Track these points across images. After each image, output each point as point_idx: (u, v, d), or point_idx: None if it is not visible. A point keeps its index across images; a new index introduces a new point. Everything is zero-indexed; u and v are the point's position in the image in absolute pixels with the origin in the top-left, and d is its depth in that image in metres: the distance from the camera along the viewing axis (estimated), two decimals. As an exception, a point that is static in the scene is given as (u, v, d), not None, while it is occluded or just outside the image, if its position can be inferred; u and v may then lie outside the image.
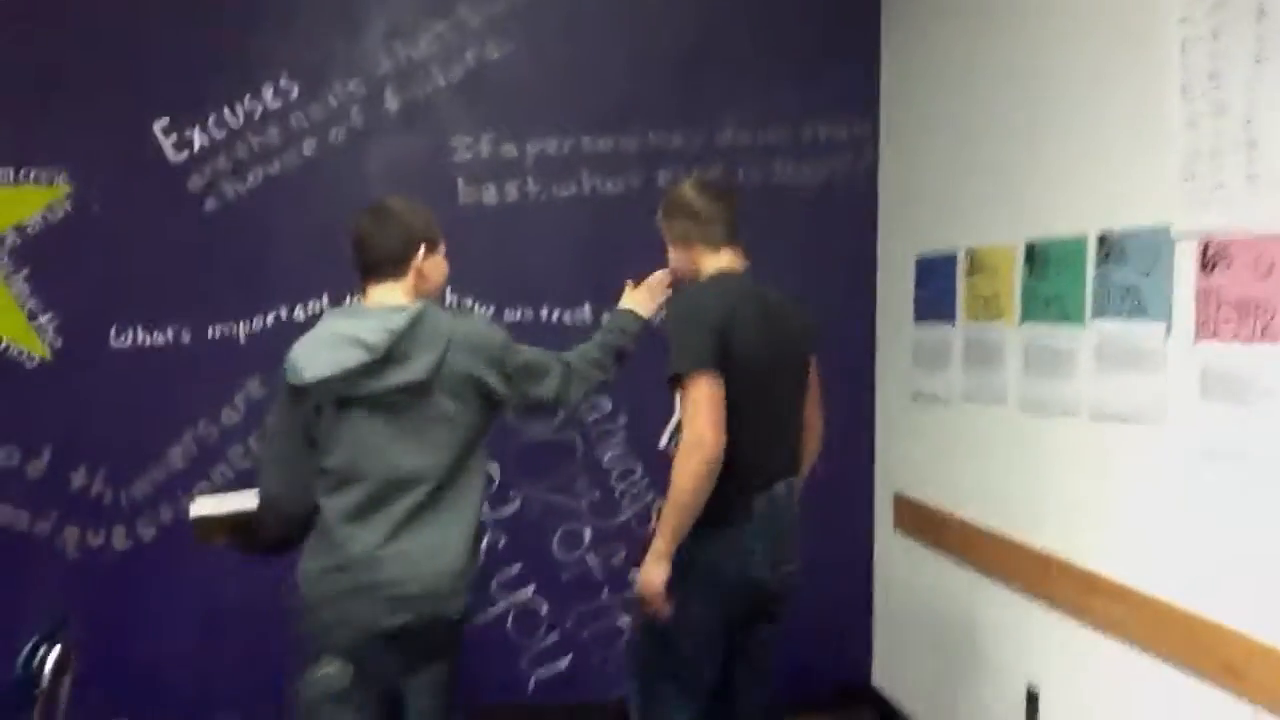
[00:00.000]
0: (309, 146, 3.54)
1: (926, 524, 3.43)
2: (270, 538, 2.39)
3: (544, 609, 3.76)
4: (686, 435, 2.42)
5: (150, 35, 3.47)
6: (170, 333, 3.55)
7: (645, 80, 3.64)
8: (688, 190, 2.67)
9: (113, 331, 3.52)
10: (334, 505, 2.29)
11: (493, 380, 2.35)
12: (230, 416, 3.59)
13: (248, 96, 3.51)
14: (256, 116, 3.52)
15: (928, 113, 3.42)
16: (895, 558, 3.73)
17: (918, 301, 3.49)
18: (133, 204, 3.49)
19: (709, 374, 2.41)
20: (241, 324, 3.57)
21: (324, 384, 2.25)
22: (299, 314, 3.55)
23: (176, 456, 3.58)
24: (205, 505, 2.45)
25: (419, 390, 2.27)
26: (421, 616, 2.26)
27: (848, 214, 3.75)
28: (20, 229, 3.46)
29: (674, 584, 2.42)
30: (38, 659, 2.52)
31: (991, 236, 3.00)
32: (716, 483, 2.40)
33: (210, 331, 3.56)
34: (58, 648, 2.41)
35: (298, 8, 3.52)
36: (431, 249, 2.40)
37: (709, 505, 2.41)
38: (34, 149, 3.45)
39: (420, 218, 2.41)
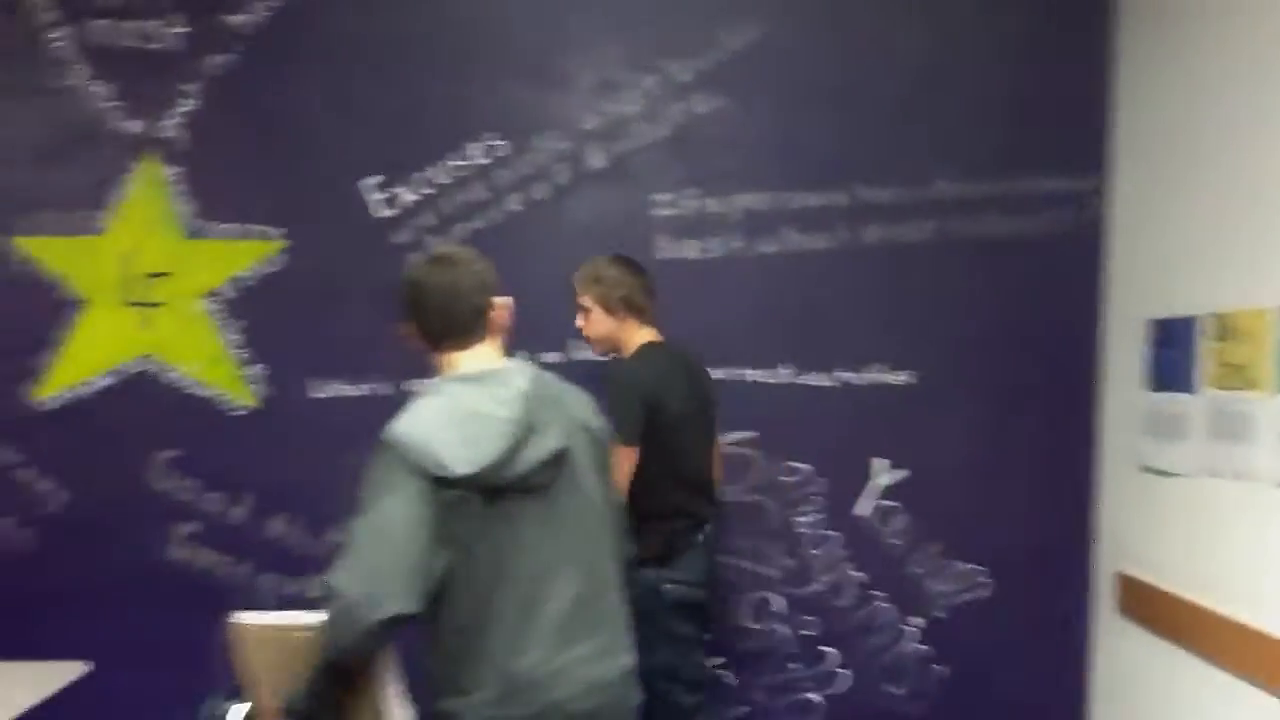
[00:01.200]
0: (513, 202, 3.55)
1: (1156, 608, 3.16)
2: (345, 659, 1.95)
3: (731, 679, 3.62)
4: None
5: (362, 95, 3.55)
6: (369, 385, 3.58)
7: (854, 133, 3.53)
8: (615, 267, 3.07)
9: (316, 382, 3.58)
10: (482, 617, 1.96)
11: (605, 439, 2.20)
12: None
13: (455, 154, 3.54)
14: (462, 173, 3.55)
15: (1169, 164, 3.19)
16: (1118, 645, 3.45)
17: (1150, 367, 3.25)
18: (341, 258, 3.55)
19: (630, 448, 2.88)
20: (440, 378, 3.58)
21: (476, 475, 1.91)
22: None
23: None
24: (247, 617, 2.09)
25: (561, 461, 2.02)
26: None
27: (1068, 272, 3.53)
28: (237, 281, 3.57)
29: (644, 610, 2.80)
30: (218, 713, 2.50)
31: (1244, 299, 2.76)
32: (662, 525, 2.95)
33: (406, 384, 3.58)
34: (247, 705, 2.37)
35: (506, 66, 3.55)
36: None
37: (654, 544, 2.91)
38: (253, 205, 3.56)
39: (487, 264, 2.13)
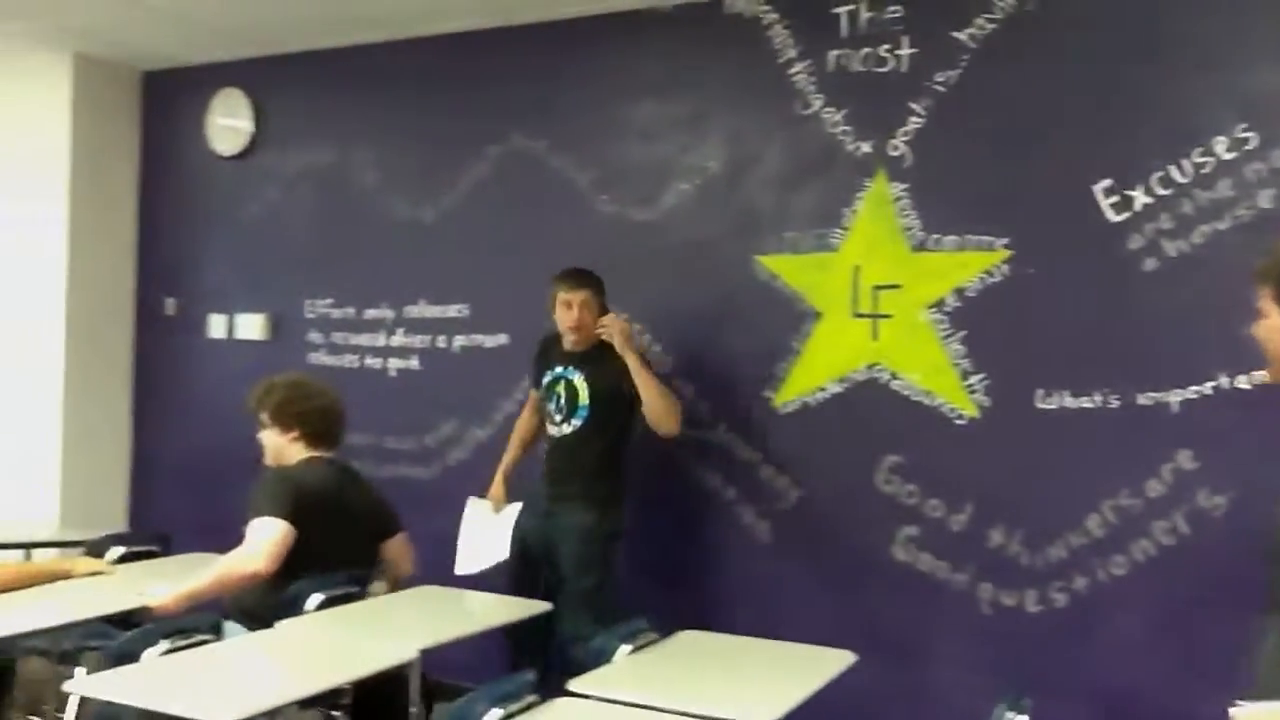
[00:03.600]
0: (1266, 198, 3.20)
1: None
2: None
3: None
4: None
5: (1091, 95, 3.43)
6: (1098, 397, 3.44)
7: None
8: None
9: (1040, 393, 3.51)
10: None
11: None
12: (1155, 489, 3.36)
13: (1196, 150, 3.29)
14: (1205, 170, 3.28)
15: None
16: None
17: None
18: (1067, 266, 3.46)
19: None
20: (1176, 391, 3.33)
21: None
22: (1242, 382, 3.22)
23: (1094, 525, 3.45)
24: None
25: None
26: None
27: None
28: (960, 292, 3.63)
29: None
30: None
31: None
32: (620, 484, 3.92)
33: (1140, 397, 3.38)
34: (1024, 717, 2.36)
35: (1252, 47, 3.23)
36: None
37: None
38: (976, 216, 3.60)
39: None
